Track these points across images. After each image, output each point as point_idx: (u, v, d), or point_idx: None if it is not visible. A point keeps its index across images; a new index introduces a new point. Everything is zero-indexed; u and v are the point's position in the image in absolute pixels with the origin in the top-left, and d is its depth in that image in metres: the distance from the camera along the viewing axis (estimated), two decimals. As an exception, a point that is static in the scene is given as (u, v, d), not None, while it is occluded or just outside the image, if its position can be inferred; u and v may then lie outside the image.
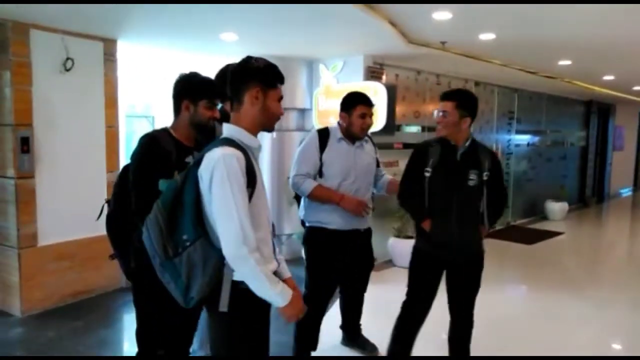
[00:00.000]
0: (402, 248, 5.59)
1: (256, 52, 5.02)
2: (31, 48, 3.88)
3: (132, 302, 2.27)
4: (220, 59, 5.11)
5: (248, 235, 1.60)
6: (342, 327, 3.55)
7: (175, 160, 2.08)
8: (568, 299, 4.68)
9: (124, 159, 4.43)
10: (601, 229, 9.31)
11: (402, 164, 5.90)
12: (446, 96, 2.74)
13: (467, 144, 2.74)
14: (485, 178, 2.72)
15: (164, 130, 2.18)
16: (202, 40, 4.55)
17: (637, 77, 7.33)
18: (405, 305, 2.94)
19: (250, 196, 1.68)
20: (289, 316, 1.75)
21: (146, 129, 5.74)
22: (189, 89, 2.17)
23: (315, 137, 3.06)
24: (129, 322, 3.83)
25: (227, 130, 1.77)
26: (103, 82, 4.39)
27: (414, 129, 6.15)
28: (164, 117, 5.67)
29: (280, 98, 1.81)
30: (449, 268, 2.82)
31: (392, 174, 6.10)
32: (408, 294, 2.93)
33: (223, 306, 1.68)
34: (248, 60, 1.79)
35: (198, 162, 1.68)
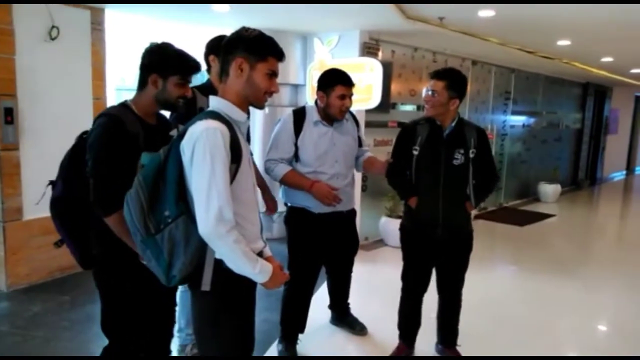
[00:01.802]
0: (393, 228, 5.55)
1: (248, 23, 4.81)
2: (14, 15, 3.73)
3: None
4: (212, 30, 4.98)
5: (226, 214, 1.53)
6: (330, 306, 3.52)
7: (143, 142, 1.89)
8: (558, 281, 4.69)
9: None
10: (593, 211, 9.33)
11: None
12: (437, 75, 2.65)
13: (454, 123, 2.70)
14: (471, 156, 2.70)
15: (125, 107, 1.96)
16: (194, 11, 4.40)
17: (635, 60, 7.23)
18: (403, 280, 2.94)
19: (235, 172, 1.61)
20: (271, 287, 1.71)
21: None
22: (159, 62, 1.94)
23: (290, 119, 2.88)
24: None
25: (213, 102, 1.69)
26: (90, 52, 4.25)
27: (409, 107, 6.07)
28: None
29: (273, 73, 1.68)
30: (436, 246, 2.80)
31: (387, 152, 6.04)
32: (403, 268, 2.93)
33: (205, 285, 1.62)
34: (240, 30, 1.69)
35: (181, 136, 1.60)
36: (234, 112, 1.67)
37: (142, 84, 1.98)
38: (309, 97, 5.36)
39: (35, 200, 3.87)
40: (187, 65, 2.00)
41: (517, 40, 5.74)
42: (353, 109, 3.09)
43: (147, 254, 1.62)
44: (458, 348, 3.01)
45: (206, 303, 1.68)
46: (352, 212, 3.16)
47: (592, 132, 11.42)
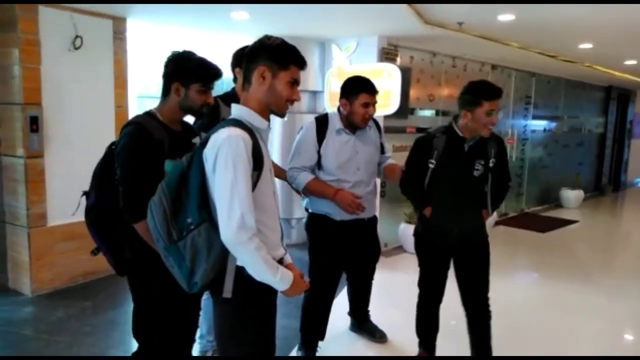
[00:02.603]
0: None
1: (267, 31, 4.92)
2: (40, 26, 3.83)
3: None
4: (231, 38, 5.04)
5: (248, 221, 1.54)
6: (350, 313, 3.50)
7: (168, 149, 1.92)
8: (580, 288, 4.60)
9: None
10: (617, 218, 9.13)
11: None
12: (500, 93, 2.54)
13: (479, 136, 2.63)
14: (491, 165, 2.67)
15: (150, 115, 2.00)
16: (213, 19, 4.45)
17: (660, 62, 7.08)
18: (420, 287, 2.91)
19: (257, 180, 1.62)
20: (291, 295, 1.71)
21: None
22: (181, 70, 1.98)
23: (312, 127, 2.87)
24: (138, 303, 3.84)
25: (235, 110, 1.70)
26: (112, 61, 4.33)
27: (428, 112, 6.04)
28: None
29: (295, 81, 1.69)
30: (451, 253, 2.77)
31: (405, 158, 5.93)
32: (420, 275, 2.90)
33: (227, 292, 1.63)
34: (262, 38, 1.70)
35: (204, 143, 1.62)
36: (255, 120, 1.68)
37: (166, 92, 2.03)
38: (327, 103, 5.37)
39: (60, 207, 4.02)
40: (208, 72, 2.03)
41: (537, 44, 5.67)
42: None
43: (170, 260, 1.63)
44: None
45: (228, 310, 1.68)
46: (374, 219, 3.14)
47: (616, 137, 11.19)
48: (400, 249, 5.63)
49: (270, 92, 1.67)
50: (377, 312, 3.52)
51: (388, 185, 5.53)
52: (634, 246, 6.98)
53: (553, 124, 8.89)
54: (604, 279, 5.07)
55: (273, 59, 1.65)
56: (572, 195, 8.89)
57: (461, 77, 6.40)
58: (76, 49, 4.03)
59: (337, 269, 3.05)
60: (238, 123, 1.62)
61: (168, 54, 2.06)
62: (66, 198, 4.07)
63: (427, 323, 2.95)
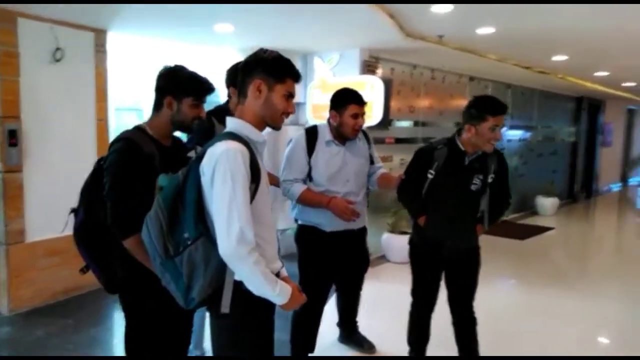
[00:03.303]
0: (396, 244, 5.57)
1: (251, 44, 4.94)
2: (19, 37, 3.75)
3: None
4: (214, 50, 5.03)
5: (247, 235, 1.53)
6: (339, 324, 3.49)
7: (158, 164, 1.89)
8: (558, 294, 4.70)
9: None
10: (590, 224, 9.38)
11: (397, 159, 5.89)
12: (506, 109, 2.57)
13: (480, 151, 2.66)
14: (489, 180, 2.69)
15: (139, 130, 1.98)
16: (196, 32, 4.44)
17: (629, 73, 7.35)
18: (413, 296, 2.94)
19: (254, 193, 1.61)
20: (289, 308, 1.70)
21: (135, 122, 5.61)
22: (173, 84, 1.97)
23: (302, 139, 2.90)
24: (120, 319, 3.73)
25: (231, 123, 1.70)
26: (94, 74, 4.27)
27: (406, 123, 6.10)
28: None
29: (290, 94, 1.71)
30: (445, 265, 2.81)
31: (388, 169, 6.02)
32: (412, 284, 2.92)
33: (225, 307, 1.61)
34: (258, 51, 1.71)
35: (200, 157, 1.61)
36: (252, 133, 1.68)
37: (158, 106, 2.01)
38: (310, 115, 5.39)
39: (39, 222, 3.92)
40: (201, 86, 2.03)
41: (514, 56, 5.82)
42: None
43: (166, 276, 1.61)
44: None
45: (226, 325, 1.67)
46: (363, 230, 3.16)
47: (587, 145, 11.53)
48: (383, 258, 5.66)
49: (266, 105, 1.68)
50: (363, 322, 3.52)
51: (371, 195, 5.55)
52: (608, 251, 7.21)
53: (528, 134, 9.11)
54: (581, 284, 5.21)
55: (269, 72, 1.66)
56: (547, 203, 9.10)
57: (440, 88, 6.52)
58: (57, 61, 3.96)
59: (327, 281, 3.05)
60: (234, 136, 1.62)
61: (151, 67, 2.05)
62: (46, 213, 3.99)
63: (418, 332, 2.97)
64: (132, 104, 5.62)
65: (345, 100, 2.86)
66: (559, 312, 4.27)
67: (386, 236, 5.59)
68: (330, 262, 2.99)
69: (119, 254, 1.92)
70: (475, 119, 2.55)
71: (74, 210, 2.06)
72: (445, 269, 2.83)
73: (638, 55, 5.52)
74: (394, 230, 5.58)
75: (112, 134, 4.56)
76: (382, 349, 3.39)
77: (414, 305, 2.94)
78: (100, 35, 4.28)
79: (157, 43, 4.93)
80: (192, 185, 1.60)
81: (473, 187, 2.67)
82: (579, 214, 9.91)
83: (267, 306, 1.68)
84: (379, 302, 4.31)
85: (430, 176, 2.71)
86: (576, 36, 4.66)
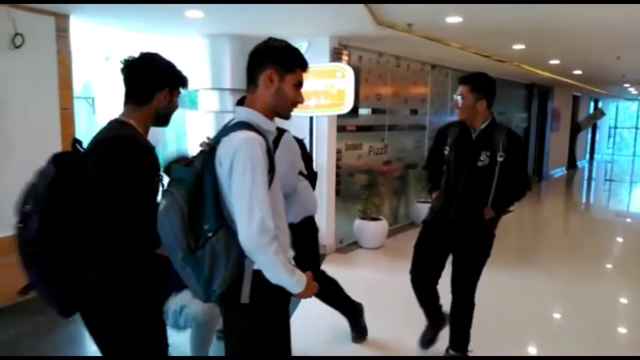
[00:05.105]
0: (368, 229, 5.67)
1: (220, 30, 4.85)
2: (-26, 22, 3.53)
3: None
4: (180, 40, 4.90)
5: (268, 224, 1.52)
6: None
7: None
8: (511, 273, 4.93)
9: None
10: (542, 206, 9.88)
11: (366, 146, 5.96)
12: (461, 80, 2.81)
13: (484, 125, 2.76)
14: (500, 159, 2.70)
15: (128, 126, 1.80)
16: (165, 18, 4.31)
17: (579, 61, 7.73)
18: (411, 274, 3.03)
19: (270, 182, 1.61)
20: (304, 296, 1.71)
21: (86, 111, 5.40)
22: (170, 75, 1.87)
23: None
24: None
25: (243, 113, 1.67)
26: (56, 61, 4.07)
27: (365, 111, 6.14)
28: (106, 99, 5.38)
29: (299, 84, 1.71)
30: (449, 241, 2.89)
31: (357, 156, 6.15)
32: (411, 263, 3.02)
33: (245, 298, 1.60)
34: (267, 40, 1.69)
35: (213, 148, 1.58)
36: (263, 122, 1.67)
37: (147, 98, 1.86)
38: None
39: None
40: (185, 77, 1.97)
41: (476, 44, 5.99)
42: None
43: (187, 271, 1.56)
44: (470, 353, 2.99)
45: (245, 315, 1.65)
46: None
47: (538, 131, 12.06)
48: (355, 244, 5.74)
49: (278, 95, 1.67)
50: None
51: (343, 182, 5.63)
52: (559, 230, 7.77)
53: (484, 120, 9.40)
54: (537, 259, 5.64)
55: (280, 61, 1.66)
56: (503, 187, 9.46)
57: (404, 76, 6.63)
58: (17, 47, 3.75)
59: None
60: (248, 126, 1.61)
61: (129, 56, 1.86)
62: (7, 208, 3.77)
63: (419, 298, 3.05)
64: (81, 93, 5.38)
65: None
66: (508, 290, 4.48)
67: (358, 222, 5.67)
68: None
69: (90, 265, 1.69)
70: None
71: (21, 219, 1.74)
72: (453, 251, 2.91)
73: (586, 42, 5.80)
74: (365, 216, 5.67)
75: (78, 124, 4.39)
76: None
77: (411, 280, 3.02)
78: (61, 20, 4.07)
79: (110, 31, 4.75)
80: (208, 176, 1.57)
81: (480, 164, 2.71)
82: (532, 196, 10.34)
83: (284, 294, 1.67)
84: (352, 288, 4.35)
85: (445, 152, 2.87)
86: (534, 25, 4.82)
